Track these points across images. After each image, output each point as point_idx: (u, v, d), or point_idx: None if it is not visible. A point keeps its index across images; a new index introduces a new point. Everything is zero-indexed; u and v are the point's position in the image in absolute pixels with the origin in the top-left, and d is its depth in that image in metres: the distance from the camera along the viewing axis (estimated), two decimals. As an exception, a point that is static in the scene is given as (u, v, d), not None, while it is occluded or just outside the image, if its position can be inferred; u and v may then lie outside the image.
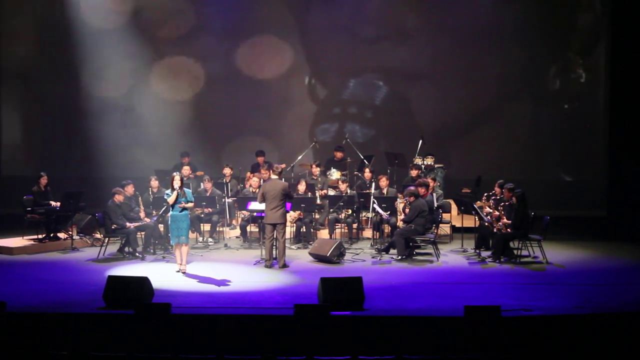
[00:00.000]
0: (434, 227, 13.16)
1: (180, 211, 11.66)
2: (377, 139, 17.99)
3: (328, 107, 18.20)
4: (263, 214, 12.49)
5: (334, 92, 18.24)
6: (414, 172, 14.77)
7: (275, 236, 12.16)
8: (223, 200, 14.30)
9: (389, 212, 13.33)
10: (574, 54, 17.69)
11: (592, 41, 17.44)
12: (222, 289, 10.84)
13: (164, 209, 13.08)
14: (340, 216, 14.29)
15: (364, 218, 14.78)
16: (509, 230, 12.50)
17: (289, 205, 12.52)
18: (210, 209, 14.30)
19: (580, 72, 17.69)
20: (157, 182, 14.08)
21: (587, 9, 17.62)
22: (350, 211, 14.39)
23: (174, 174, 11.97)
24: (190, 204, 11.86)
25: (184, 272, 11.65)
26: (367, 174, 14.78)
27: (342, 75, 18.15)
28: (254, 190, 14.12)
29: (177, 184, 11.66)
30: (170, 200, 11.65)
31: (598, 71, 17.30)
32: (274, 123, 17.98)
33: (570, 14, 17.66)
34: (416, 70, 17.90)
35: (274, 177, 12.36)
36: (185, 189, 11.80)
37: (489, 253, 12.88)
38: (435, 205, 13.69)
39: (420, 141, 16.21)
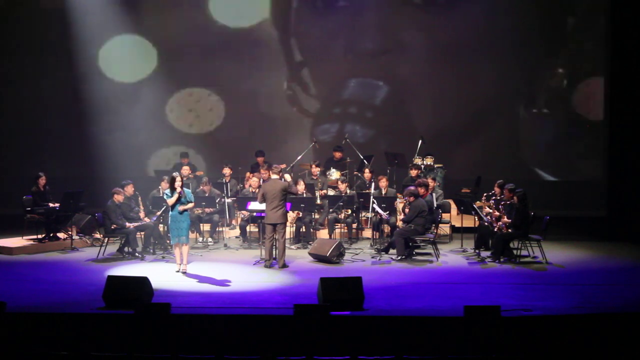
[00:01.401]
0: (433, 227, 13.16)
1: (181, 212, 11.66)
2: (377, 138, 17.97)
3: (328, 107, 18.20)
4: (263, 214, 12.49)
5: (334, 92, 18.21)
6: (413, 172, 14.78)
7: (275, 236, 12.16)
8: (222, 200, 14.29)
9: (388, 212, 13.33)
10: (574, 53, 17.69)
11: (591, 40, 17.43)
12: (222, 289, 10.84)
13: (163, 209, 13.08)
14: (339, 216, 14.27)
15: (363, 218, 14.77)
16: (509, 230, 12.50)
17: (288, 205, 12.51)
18: (212, 210, 14.27)
19: (580, 71, 17.69)
20: (168, 184, 14.09)
21: (585, 8, 17.63)
22: (349, 211, 14.37)
23: (174, 174, 11.96)
24: (190, 205, 11.86)
25: (184, 272, 11.65)
26: (367, 174, 14.78)
27: (341, 77, 18.13)
28: (253, 190, 14.13)
29: (178, 184, 11.65)
30: (171, 201, 11.63)
31: (598, 71, 17.29)
32: (274, 123, 17.98)
33: (569, 13, 17.65)
34: (415, 71, 17.89)
35: (274, 177, 12.36)
36: (185, 189, 11.81)
37: (488, 253, 12.88)
38: (435, 205, 13.69)
39: (420, 141, 16.22)
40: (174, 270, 11.74)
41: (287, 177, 14.01)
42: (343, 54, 17.90)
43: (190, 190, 12.10)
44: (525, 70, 17.68)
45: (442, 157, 16.35)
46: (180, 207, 11.63)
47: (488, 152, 17.61)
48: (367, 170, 14.90)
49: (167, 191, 11.79)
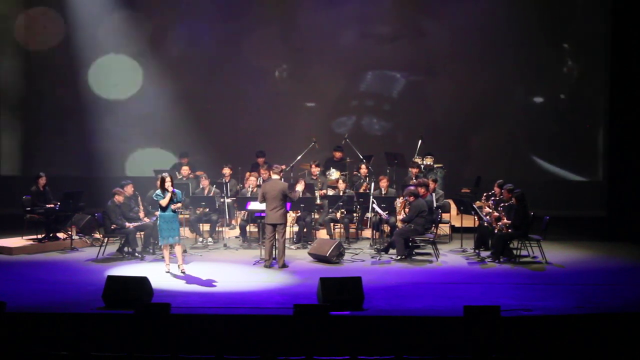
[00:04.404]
0: (433, 227, 13.16)
1: (173, 211, 11.63)
2: (394, 131, 18.03)
3: (344, 101, 18.15)
4: (263, 214, 12.48)
5: (341, 87, 18.18)
6: (414, 171, 14.83)
7: (275, 236, 12.15)
8: (222, 200, 14.29)
9: (387, 212, 13.34)
10: (574, 53, 17.68)
11: (592, 40, 17.43)
12: (222, 289, 10.84)
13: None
14: (336, 215, 14.23)
15: (356, 214, 14.71)
16: (509, 230, 12.50)
17: (288, 205, 12.49)
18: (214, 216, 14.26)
19: (581, 71, 17.69)
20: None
21: (587, 8, 17.64)
22: (345, 211, 14.34)
23: (164, 174, 11.85)
24: (178, 204, 11.80)
25: (182, 272, 11.63)
26: (363, 169, 14.91)
27: (344, 72, 18.08)
28: (253, 190, 14.13)
29: (168, 184, 11.60)
30: (165, 201, 11.56)
31: (598, 70, 17.29)
32: (276, 122, 17.96)
33: (570, 14, 17.64)
34: (414, 71, 17.89)
35: (274, 177, 12.35)
36: (174, 189, 11.75)
37: (488, 253, 12.88)
38: (435, 206, 13.69)
39: (420, 141, 16.22)
40: (164, 271, 11.65)
41: (301, 185, 13.96)
42: (354, 43, 17.82)
43: (180, 191, 11.98)
44: (526, 70, 17.66)
45: (442, 157, 16.34)
46: (172, 206, 11.60)
47: (488, 152, 17.61)
48: (363, 167, 15.00)
49: (158, 192, 11.70)
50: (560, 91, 17.84)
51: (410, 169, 15.07)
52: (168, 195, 11.56)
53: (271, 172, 12.58)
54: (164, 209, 11.59)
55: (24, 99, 18.06)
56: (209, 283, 11.13)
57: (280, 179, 12.59)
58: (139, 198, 13.65)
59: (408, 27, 17.85)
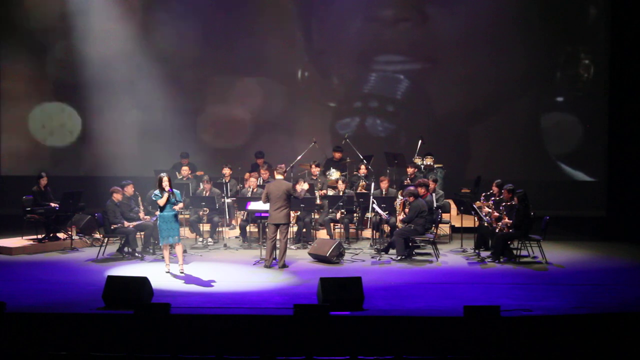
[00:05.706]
0: (433, 227, 13.16)
1: (174, 215, 11.62)
2: (397, 133, 18.04)
3: (347, 102, 18.13)
4: (262, 214, 12.46)
5: (346, 86, 18.17)
6: (410, 171, 14.84)
7: (277, 236, 12.14)
8: (222, 200, 14.29)
9: (387, 212, 13.34)
10: (575, 53, 17.68)
11: (593, 41, 17.44)
12: (222, 289, 10.84)
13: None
14: (336, 215, 14.25)
15: (356, 215, 14.73)
16: (510, 230, 12.50)
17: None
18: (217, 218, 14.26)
19: (581, 71, 17.69)
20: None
21: (588, 8, 17.64)
22: (345, 212, 14.35)
23: (162, 175, 11.82)
24: (180, 205, 11.80)
25: (181, 272, 11.63)
26: (363, 169, 14.95)
27: (344, 63, 18.05)
28: (254, 190, 14.13)
29: (166, 184, 11.60)
30: (162, 201, 11.56)
31: (599, 71, 17.29)
32: (277, 122, 17.94)
33: (572, 14, 17.64)
34: (413, 69, 17.90)
35: (278, 177, 12.35)
36: (173, 189, 11.74)
37: (488, 253, 12.88)
38: (435, 206, 13.69)
39: (420, 141, 16.22)
40: (164, 271, 11.66)
41: (300, 185, 13.93)
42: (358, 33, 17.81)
43: (179, 191, 11.98)
44: (527, 70, 17.65)
45: (442, 156, 16.34)
46: (175, 207, 11.59)
47: (488, 152, 17.61)
48: (362, 167, 15.06)
49: (157, 192, 11.71)
50: (561, 91, 17.83)
51: (407, 169, 15.09)
52: (165, 195, 11.56)
53: (275, 172, 12.57)
54: (162, 208, 11.60)
55: (24, 99, 18.06)
56: (209, 283, 11.13)
57: (284, 179, 12.58)
58: (139, 198, 13.65)
59: (414, 13, 17.73)
